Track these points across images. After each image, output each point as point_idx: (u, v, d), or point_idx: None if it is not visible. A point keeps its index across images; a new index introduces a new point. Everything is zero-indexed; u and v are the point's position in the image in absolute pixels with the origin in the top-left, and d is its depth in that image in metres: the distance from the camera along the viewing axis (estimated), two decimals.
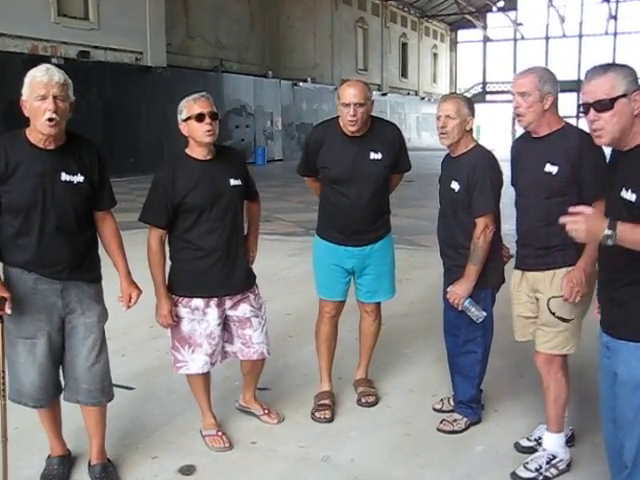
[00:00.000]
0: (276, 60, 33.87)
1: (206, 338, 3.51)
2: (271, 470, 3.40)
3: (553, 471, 3.29)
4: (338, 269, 3.95)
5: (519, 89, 3.18)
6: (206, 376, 3.67)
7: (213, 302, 3.50)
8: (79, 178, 3.00)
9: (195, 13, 27.82)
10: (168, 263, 3.55)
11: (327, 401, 4.00)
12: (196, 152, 3.43)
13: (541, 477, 3.27)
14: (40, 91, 2.83)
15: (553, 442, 3.35)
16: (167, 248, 3.56)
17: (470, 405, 3.77)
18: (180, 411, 4.04)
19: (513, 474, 3.30)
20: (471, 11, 48.26)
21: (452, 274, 3.64)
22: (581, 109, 2.43)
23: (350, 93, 3.66)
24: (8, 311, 2.89)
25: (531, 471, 3.28)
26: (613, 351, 2.49)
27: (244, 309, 3.59)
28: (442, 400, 4.04)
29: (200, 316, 3.49)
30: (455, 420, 3.77)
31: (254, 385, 3.95)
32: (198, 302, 3.48)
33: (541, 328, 3.29)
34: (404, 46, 45.89)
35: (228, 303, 3.55)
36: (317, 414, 3.91)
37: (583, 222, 2.16)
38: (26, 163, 2.91)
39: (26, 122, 2.93)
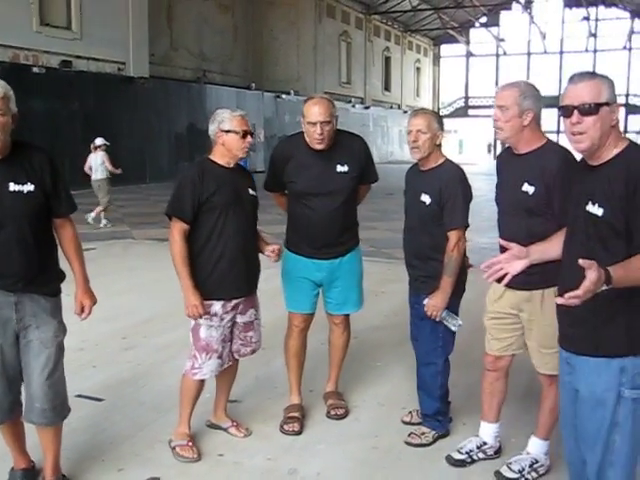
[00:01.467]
0: (259, 72, 33.94)
1: (220, 343, 3.60)
2: None
3: (534, 474, 3.40)
4: (306, 282, 3.97)
5: (499, 102, 3.16)
6: (202, 385, 3.72)
7: (230, 305, 3.58)
8: (29, 187, 2.93)
9: (179, 24, 27.84)
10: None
11: (296, 414, 4.00)
12: (223, 160, 3.60)
13: (523, 479, 3.36)
14: None
15: (538, 448, 3.44)
16: None
17: (437, 418, 3.79)
18: (148, 422, 4.03)
19: (497, 473, 3.40)
20: (454, 26, 48.69)
21: (420, 284, 3.69)
22: (561, 112, 2.42)
23: (315, 112, 3.70)
24: None
25: (514, 472, 3.38)
26: (574, 367, 2.51)
27: (251, 313, 3.73)
28: (411, 413, 4.06)
29: (217, 322, 3.57)
30: (423, 433, 3.79)
31: (226, 396, 3.95)
32: (217, 307, 3.55)
33: (539, 350, 3.28)
34: (387, 60, 46.18)
35: (240, 307, 3.64)
36: (286, 427, 3.91)
37: (592, 289, 2.08)
38: None
39: None
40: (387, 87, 46.45)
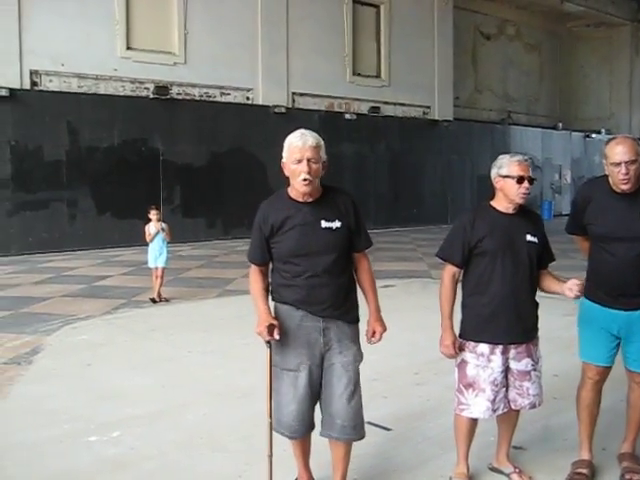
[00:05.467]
0: (567, 111, 32.77)
1: (490, 384, 3.60)
2: None
3: None
4: (603, 332, 3.76)
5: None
6: (475, 424, 3.75)
7: (498, 349, 3.60)
8: (337, 224, 3.28)
9: (483, 67, 28.16)
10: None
11: (585, 470, 3.78)
12: (501, 205, 3.65)
13: None
14: (296, 155, 3.18)
15: None
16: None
17: None
18: (432, 457, 4.11)
19: None
20: None
21: None
22: None
23: (620, 151, 3.54)
24: (276, 337, 3.25)
25: None
26: None
27: (526, 363, 3.66)
28: None
29: (485, 362, 3.61)
30: None
31: (508, 441, 3.88)
32: (483, 348, 3.60)
33: None
34: None
35: (512, 352, 3.63)
36: None
37: None
38: (290, 216, 3.27)
39: (287, 181, 3.32)
40: None
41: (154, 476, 3.96)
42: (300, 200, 3.29)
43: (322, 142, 3.26)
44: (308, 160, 3.17)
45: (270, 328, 3.25)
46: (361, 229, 3.41)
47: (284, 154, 3.26)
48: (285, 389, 3.34)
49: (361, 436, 3.43)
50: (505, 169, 3.57)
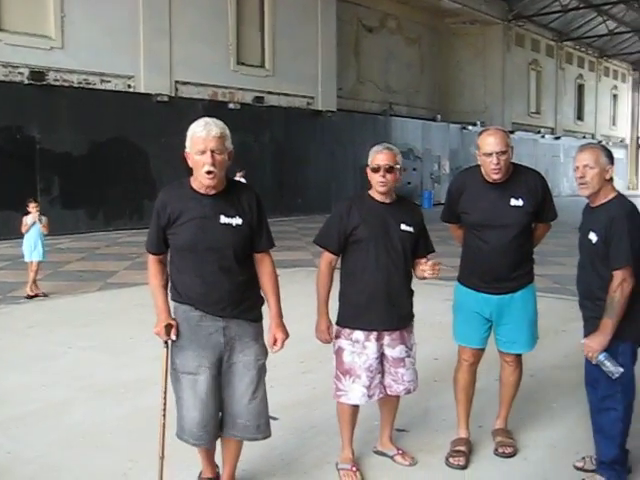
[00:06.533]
0: (445, 104, 33.93)
1: (365, 371, 3.67)
2: None
3: None
4: (477, 316, 3.96)
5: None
6: (356, 410, 3.81)
7: (372, 336, 3.67)
8: (237, 221, 3.15)
9: (366, 59, 28.66)
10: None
11: (463, 448, 3.97)
12: (376, 195, 3.69)
13: None
14: (199, 146, 3.02)
15: None
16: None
17: (613, 466, 3.58)
18: (318, 445, 4.18)
19: None
20: None
21: (590, 326, 3.55)
22: None
23: (491, 142, 3.71)
24: (173, 337, 3.17)
25: None
26: None
27: (400, 349, 3.75)
28: (584, 458, 3.86)
29: (360, 349, 3.67)
30: None
31: (390, 425, 4.01)
32: (358, 335, 3.67)
33: None
34: (580, 87, 44.30)
35: (386, 339, 3.71)
36: (451, 460, 3.89)
37: None
38: (189, 208, 3.13)
39: (189, 171, 3.16)
40: (580, 116, 44.52)
41: None
42: (202, 192, 3.14)
43: (227, 131, 3.10)
44: (212, 151, 3.01)
45: (167, 328, 3.16)
46: (263, 229, 3.28)
47: (187, 143, 3.09)
48: (185, 394, 3.20)
49: (265, 435, 3.36)
50: (369, 159, 3.66)
